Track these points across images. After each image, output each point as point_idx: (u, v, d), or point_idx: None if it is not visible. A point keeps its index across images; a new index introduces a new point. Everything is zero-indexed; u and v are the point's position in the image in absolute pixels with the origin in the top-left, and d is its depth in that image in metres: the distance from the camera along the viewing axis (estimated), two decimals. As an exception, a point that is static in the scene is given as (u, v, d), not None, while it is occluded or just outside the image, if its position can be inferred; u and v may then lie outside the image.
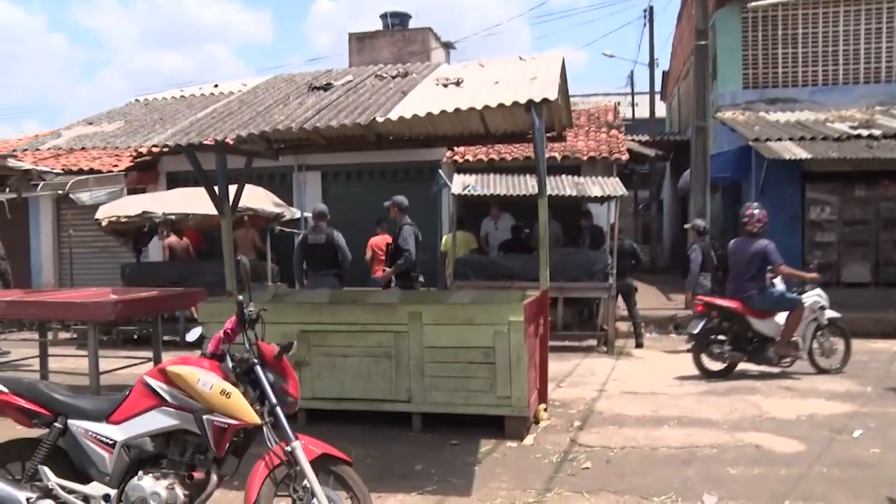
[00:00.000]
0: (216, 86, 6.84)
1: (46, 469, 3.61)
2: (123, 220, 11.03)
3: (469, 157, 13.32)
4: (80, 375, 6.90)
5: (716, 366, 8.01)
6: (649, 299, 13.01)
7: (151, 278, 10.46)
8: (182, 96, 6.73)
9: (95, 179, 13.13)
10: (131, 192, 13.60)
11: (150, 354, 7.48)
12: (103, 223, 11.13)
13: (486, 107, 4.87)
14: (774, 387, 7.56)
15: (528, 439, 5.77)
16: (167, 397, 3.61)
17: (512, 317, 5.70)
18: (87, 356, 6.63)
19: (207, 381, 3.58)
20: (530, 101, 4.71)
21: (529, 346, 5.88)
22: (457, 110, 4.88)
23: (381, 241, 10.65)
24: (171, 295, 7.28)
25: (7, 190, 10.46)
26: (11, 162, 8.74)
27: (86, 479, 3.63)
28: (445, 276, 11.10)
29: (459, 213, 11.99)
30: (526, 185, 10.66)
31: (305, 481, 3.60)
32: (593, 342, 10.39)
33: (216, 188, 6.98)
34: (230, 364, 3.73)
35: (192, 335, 4.02)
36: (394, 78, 6.01)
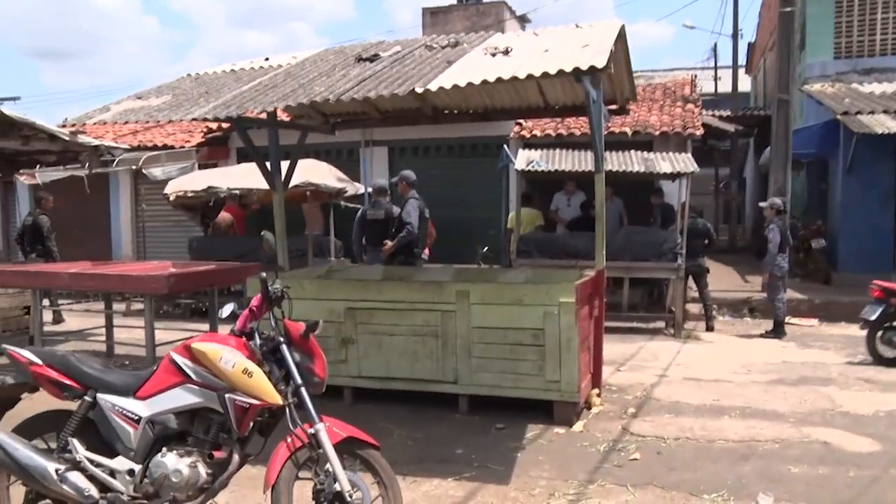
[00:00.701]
0: (266, 59, 6.79)
1: (76, 441, 3.63)
2: (190, 194, 11.24)
3: (537, 132, 12.98)
4: (142, 347, 7.06)
5: (892, 353, 7.72)
6: (724, 280, 12.48)
7: (218, 252, 10.67)
8: (232, 70, 6.72)
9: (167, 155, 13.45)
10: (202, 167, 13.88)
11: (207, 328, 7.59)
12: (171, 198, 11.39)
13: (541, 76, 4.62)
14: (852, 378, 7.07)
15: (578, 426, 5.55)
16: (191, 374, 3.56)
17: (562, 297, 5.47)
18: (144, 327, 6.76)
19: (230, 359, 3.51)
20: (577, 70, 4.42)
21: (582, 329, 5.64)
22: (512, 80, 4.65)
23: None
24: (224, 269, 7.35)
25: (80, 166, 10.78)
26: (81, 138, 8.95)
27: (113, 453, 3.64)
28: (509, 253, 10.88)
29: (526, 189, 11.74)
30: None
31: (328, 465, 3.50)
32: (661, 324, 10.01)
33: (268, 163, 6.97)
34: (258, 342, 3.66)
35: (225, 311, 3.97)
36: (443, 48, 5.81)
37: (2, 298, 8.26)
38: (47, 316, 9.77)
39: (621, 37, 5.48)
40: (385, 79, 5.05)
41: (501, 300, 5.65)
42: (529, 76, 4.52)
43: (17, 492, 3.67)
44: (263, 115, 6.73)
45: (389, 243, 8.40)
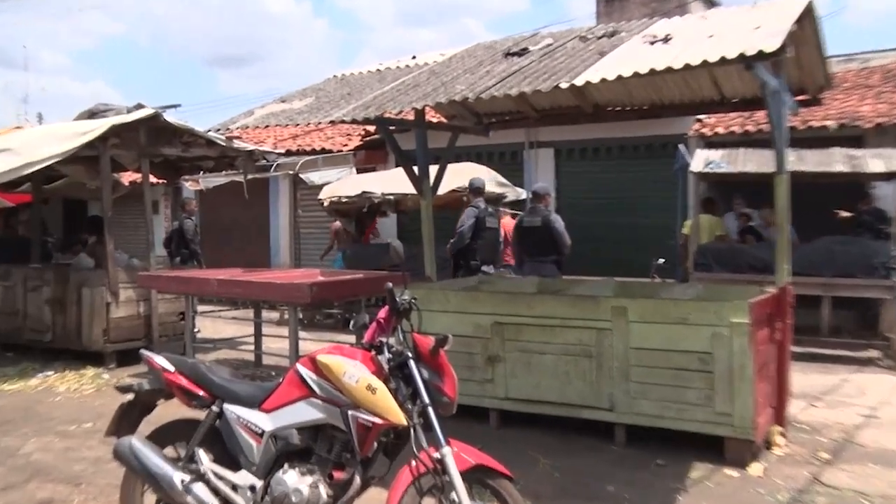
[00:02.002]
0: (414, 57, 6.95)
1: (202, 452, 3.85)
2: (344, 199, 11.74)
3: (720, 129, 12.36)
4: (286, 357, 7.44)
5: None
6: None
7: (375, 260, 11.06)
8: (378, 70, 6.94)
9: (324, 159, 14.12)
10: (360, 171, 14.47)
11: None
12: (325, 203, 11.96)
13: (701, 64, 4.38)
14: None
15: (754, 468, 5.18)
16: (315, 388, 3.67)
17: (734, 317, 5.14)
18: (288, 337, 7.11)
19: (354, 374, 3.58)
20: (743, 56, 4.14)
21: (759, 354, 5.28)
22: (667, 71, 4.45)
23: (508, 224, 10.73)
24: (371, 279, 7.59)
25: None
26: (236, 143, 9.61)
27: (237, 466, 3.83)
28: (685, 266, 10.43)
29: (707, 193, 11.21)
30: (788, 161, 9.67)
31: (454, 494, 3.47)
32: (873, 353, 9.14)
33: (416, 167, 7.14)
34: (386, 357, 3.72)
35: (354, 323, 4.07)
36: (598, 38, 5.66)
37: (161, 304, 9.01)
38: (201, 323, 10.55)
39: (809, 14, 5.08)
40: (531, 74, 5.00)
41: (664, 318, 5.41)
42: (686, 66, 4.29)
43: (151, 499, 3.95)
44: (409, 116, 6.88)
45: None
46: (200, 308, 11.05)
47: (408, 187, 10.67)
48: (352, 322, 4.07)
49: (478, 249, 8.89)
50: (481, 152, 13.89)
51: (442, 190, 8.59)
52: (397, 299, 3.84)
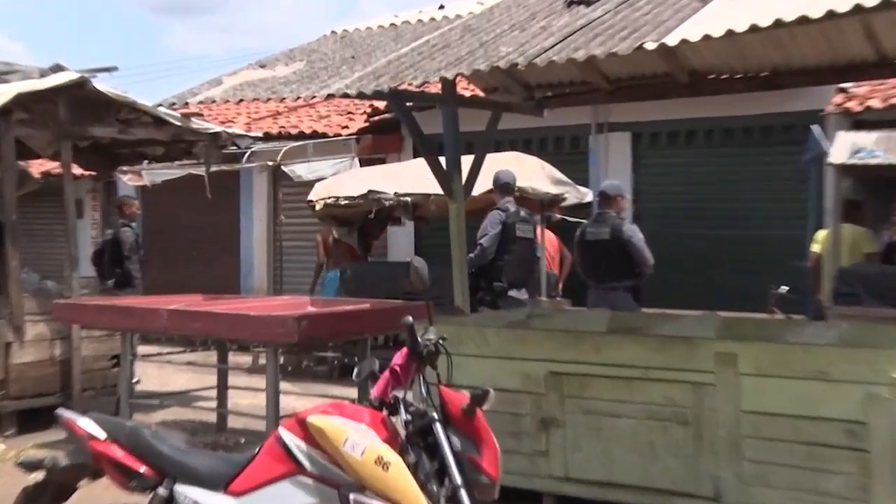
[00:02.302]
0: (441, 7, 7.05)
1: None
2: (343, 202, 11.85)
3: (874, 104, 12.29)
4: (262, 418, 7.52)
5: None
6: None
7: (386, 285, 11.14)
8: (392, 25, 7.04)
9: (316, 147, 14.29)
10: (365, 163, 14.62)
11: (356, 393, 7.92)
12: (317, 206, 12.07)
13: (853, 9, 4.38)
14: None
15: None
16: (304, 462, 3.72)
17: None
18: (265, 390, 7.19)
19: (359, 442, 3.62)
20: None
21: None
22: (800, 22, 4.46)
23: (550, 241, 11.05)
24: (381, 310, 7.68)
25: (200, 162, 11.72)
26: (196, 123, 9.75)
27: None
28: (819, 296, 10.39)
29: (852, 193, 11.15)
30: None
31: None
32: None
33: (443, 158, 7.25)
34: (403, 418, 3.78)
35: (359, 372, 4.14)
36: (700, -21, 5.70)
37: (86, 344, 9.14)
38: (143, 371, 10.66)
39: None
40: (603, 31, 5.06)
41: (791, 371, 5.40)
42: (831, 14, 4.30)
43: None
44: (434, 88, 6.96)
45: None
46: (143, 350, 11.19)
47: (431, 186, 10.76)
48: (356, 370, 4.14)
49: (504, 267, 9.08)
50: (531, 138, 13.98)
51: (478, 189, 8.65)
52: (419, 339, 3.90)
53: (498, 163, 10.25)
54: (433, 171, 7.33)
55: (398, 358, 3.95)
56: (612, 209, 8.93)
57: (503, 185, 9.37)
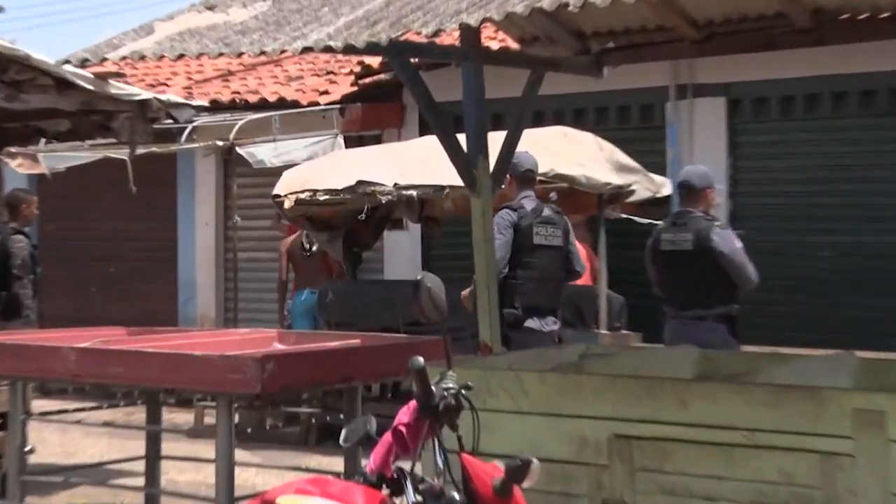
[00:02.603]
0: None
1: None
2: (323, 197, 11.85)
3: None
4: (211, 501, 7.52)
5: None
6: None
7: (381, 309, 11.02)
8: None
9: (283, 120, 14.27)
10: (353, 143, 14.66)
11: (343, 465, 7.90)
12: (286, 203, 12.06)
13: None
14: None
15: None
16: (272, 565, 3.74)
17: None
18: (215, 462, 7.17)
19: (351, 535, 3.66)
20: None
21: None
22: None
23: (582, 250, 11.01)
24: (374, 347, 7.66)
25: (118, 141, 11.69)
26: (115, 86, 9.74)
27: None
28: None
29: None
30: None
31: None
32: None
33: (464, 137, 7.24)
34: (412, 500, 3.78)
35: (348, 435, 4.14)
36: None
37: (-40, 397, 9.12)
38: (40, 435, 10.64)
39: None
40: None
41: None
42: None
43: None
44: (450, 39, 6.93)
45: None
46: (40, 405, 11.16)
47: (445, 175, 10.80)
48: (343, 433, 4.13)
49: (518, 287, 9.05)
50: (585, 107, 14.08)
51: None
52: (433, 389, 3.89)
53: (540, 142, 10.20)
54: (448, 153, 7.32)
55: (404, 415, 3.91)
56: (697, 207, 8.86)
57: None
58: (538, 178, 9.77)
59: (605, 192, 11.27)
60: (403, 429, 3.91)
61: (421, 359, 3.91)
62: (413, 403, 3.93)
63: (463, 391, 3.97)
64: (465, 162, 7.30)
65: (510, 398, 6.20)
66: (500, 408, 6.08)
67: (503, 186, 8.94)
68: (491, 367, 6.71)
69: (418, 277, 4.36)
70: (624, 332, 11.72)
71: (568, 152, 10.98)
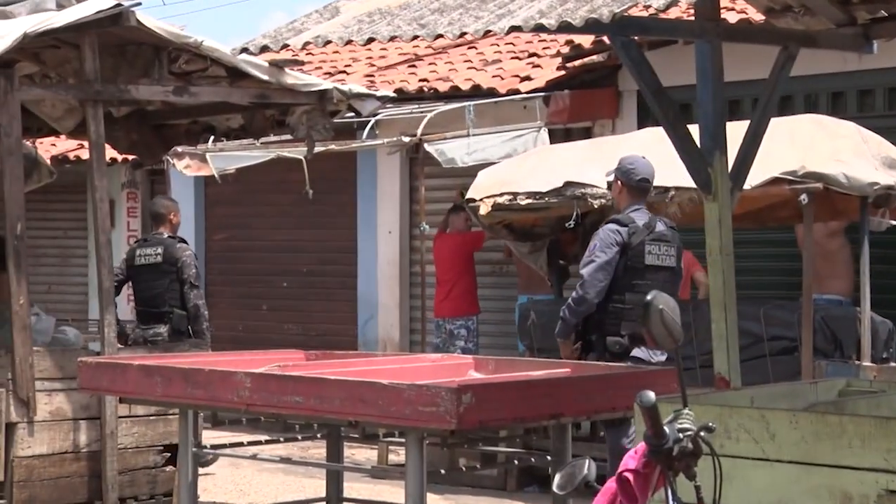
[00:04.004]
0: None
1: None
2: (524, 202, 11.81)
3: None
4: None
5: None
6: None
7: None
8: None
9: (478, 111, 14.22)
10: (559, 137, 14.70)
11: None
12: (481, 209, 12.04)
13: None
14: None
15: None
16: None
17: None
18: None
19: None
20: None
21: None
22: None
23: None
24: (590, 379, 7.61)
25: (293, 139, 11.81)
26: (292, 76, 9.85)
27: None
28: None
29: None
30: None
31: None
32: None
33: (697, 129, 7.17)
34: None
35: (563, 481, 4.13)
36: None
37: (126, 428, 9.31)
38: (212, 470, 10.83)
39: None
40: None
41: None
42: None
43: None
44: (675, 12, 6.86)
45: None
46: (211, 437, 11.35)
47: (671, 174, 10.67)
48: (557, 478, 4.13)
49: (628, 310, 8.99)
50: (844, 90, 13.76)
51: (754, 179, 8.57)
52: (664, 429, 3.86)
53: (787, 133, 10.03)
54: (677, 148, 7.22)
55: (631, 459, 3.88)
56: None
57: (638, 183, 9.20)
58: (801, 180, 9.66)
59: (869, 193, 10.89)
60: (630, 476, 3.88)
61: (651, 394, 3.87)
62: (642, 446, 3.89)
63: (703, 433, 3.92)
64: (698, 158, 7.19)
65: (754, 442, 6.08)
66: (741, 453, 6.00)
67: (614, 194, 9.19)
68: (730, 403, 6.61)
69: (648, 297, 4.32)
70: (893, 363, 11.40)
71: (823, 146, 10.73)
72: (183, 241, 11.87)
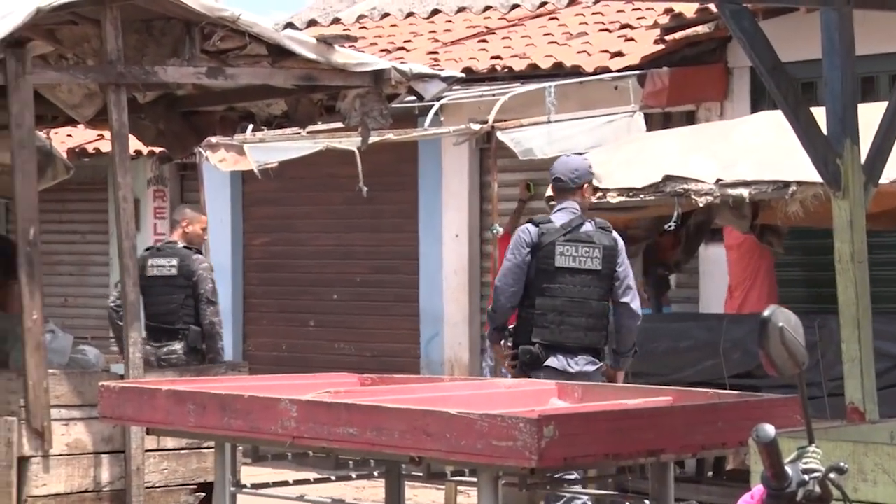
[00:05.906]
0: None
1: None
2: (615, 199, 11.80)
3: None
4: None
5: None
6: None
7: (693, 357, 11.03)
8: None
9: (561, 93, 14.23)
10: (657, 123, 14.65)
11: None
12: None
13: None
14: None
15: None
16: None
17: None
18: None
19: None
20: None
21: None
22: None
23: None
24: (695, 409, 7.60)
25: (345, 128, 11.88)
26: (342, 53, 9.87)
27: None
28: None
29: None
30: None
31: None
32: None
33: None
34: None
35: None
36: None
37: (153, 463, 9.39)
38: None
39: None
40: None
41: None
42: None
43: None
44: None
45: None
46: (251, 475, 11.42)
47: (791, 167, 10.68)
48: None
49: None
50: None
51: (893, 171, 8.51)
52: (786, 469, 3.84)
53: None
54: (799, 135, 7.16)
55: (751, 499, 3.90)
56: None
57: (554, 182, 9.74)
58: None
59: None
60: (751, 522, 3.88)
61: (771, 428, 3.84)
62: (759, 490, 3.88)
63: (831, 475, 3.89)
64: (825, 147, 7.11)
65: (894, 485, 6.03)
66: (879, 499, 5.99)
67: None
68: (865, 439, 6.55)
69: (766, 313, 4.29)
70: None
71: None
72: (199, 252, 11.98)
